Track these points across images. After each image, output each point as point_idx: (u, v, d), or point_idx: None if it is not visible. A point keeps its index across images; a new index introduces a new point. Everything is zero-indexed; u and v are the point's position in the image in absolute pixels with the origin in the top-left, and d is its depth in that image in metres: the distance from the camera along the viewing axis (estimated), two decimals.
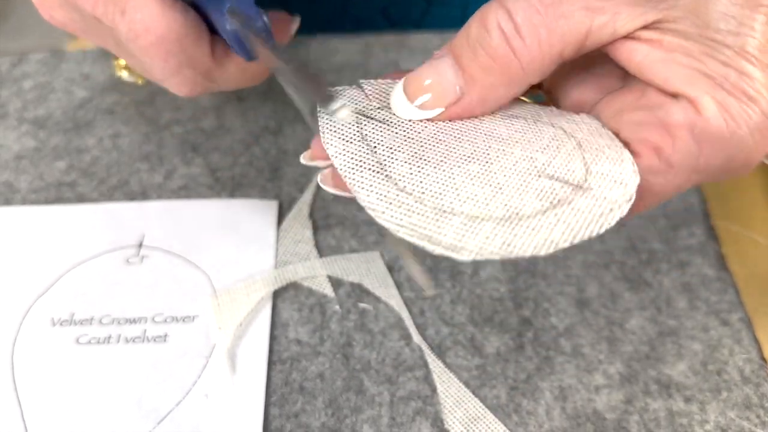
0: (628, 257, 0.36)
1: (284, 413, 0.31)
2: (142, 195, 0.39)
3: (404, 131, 0.24)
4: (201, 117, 0.43)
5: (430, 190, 0.22)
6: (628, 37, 0.23)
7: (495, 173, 0.23)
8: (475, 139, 0.24)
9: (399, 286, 0.35)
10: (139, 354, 0.32)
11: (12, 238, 0.36)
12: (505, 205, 0.22)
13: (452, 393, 0.31)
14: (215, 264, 0.35)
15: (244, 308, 0.33)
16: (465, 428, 0.30)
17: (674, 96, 0.23)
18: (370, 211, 0.22)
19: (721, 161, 0.22)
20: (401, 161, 0.23)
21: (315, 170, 0.40)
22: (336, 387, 0.31)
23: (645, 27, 0.22)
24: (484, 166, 0.23)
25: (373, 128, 0.24)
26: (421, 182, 0.22)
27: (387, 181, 0.22)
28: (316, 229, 0.37)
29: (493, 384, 0.32)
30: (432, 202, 0.22)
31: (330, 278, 0.35)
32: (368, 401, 0.31)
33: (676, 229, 0.37)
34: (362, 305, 0.34)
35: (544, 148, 0.23)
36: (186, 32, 0.27)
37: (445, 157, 0.23)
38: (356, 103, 0.25)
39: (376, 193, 0.22)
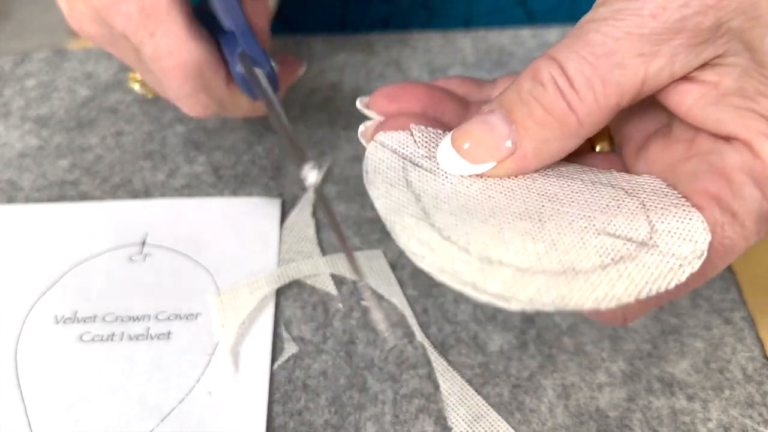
0: None
1: (287, 411, 0.31)
2: (145, 193, 0.39)
3: (451, 184, 0.23)
4: None
5: (477, 242, 0.21)
6: (684, 78, 0.21)
7: (549, 231, 0.21)
8: (527, 197, 0.23)
9: (402, 284, 0.35)
10: (143, 351, 0.32)
11: (15, 237, 0.36)
12: (560, 260, 0.20)
13: (455, 391, 0.31)
14: (218, 262, 0.35)
15: (247, 306, 0.33)
16: (468, 426, 0.30)
17: (727, 140, 0.21)
18: (410, 255, 0.21)
19: None
20: (446, 212, 0.22)
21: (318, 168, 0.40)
22: (339, 385, 0.32)
23: (703, 65, 0.21)
24: (536, 224, 0.21)
25: (419, 176, 0.23)
26: (467, 233, 0.21)
27: (431, 228, 0.21)
28: (319, 227, 0.37)
29: (496, 382, 0.32)
30: (478, 252, 0.20)
31: (333, 276, 0.35)
32: (371, 399, 0.31)
33: None
34: (364, 303, 0.34)
35: (604, 208, 0.22)
36: (205, 60, 0.29)
37: (494, 213, 0.22)
38: (404, 148, 0.24)
39: (418, 238, 0.21)
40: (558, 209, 0.22)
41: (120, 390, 0.31)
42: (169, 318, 0.33)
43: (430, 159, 0.24)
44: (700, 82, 0.21)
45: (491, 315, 0.34)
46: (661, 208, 0.22)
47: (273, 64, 0.30)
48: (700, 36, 0.20)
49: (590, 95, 0.21)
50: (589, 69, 0.20)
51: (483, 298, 0.20)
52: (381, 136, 0.24)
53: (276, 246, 0.36)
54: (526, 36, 0.49)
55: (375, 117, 0.26)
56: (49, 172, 0.40)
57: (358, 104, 0.26)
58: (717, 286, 0.35)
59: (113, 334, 0.33)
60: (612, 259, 0.20)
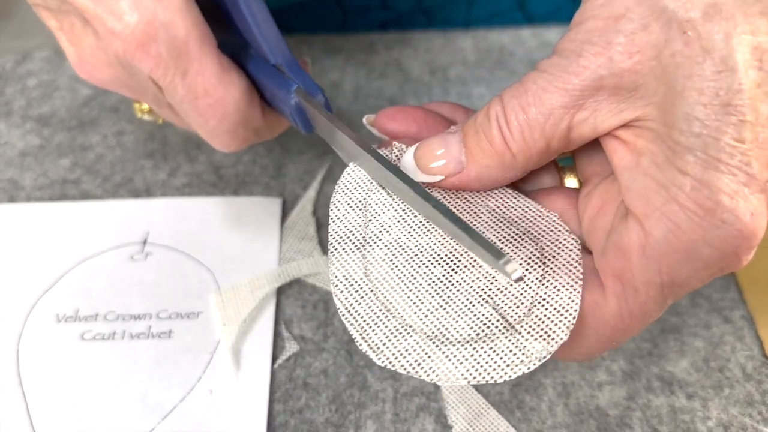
0: None
1: (288, 409, 0.31)
2: (147, 192, 0.39)
3: (402, 210, 0.25)
4: None
5: (388, 287, 0.23)
6: (612, 135, 0.23)
7: (452, 284, 0.23)
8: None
9: None
10: (144, 350, 0.32)
11: (17, 235, 0.37)
12: (441, 324, 0.22)
13: (455, 389, 0.31)
14: (219, 261, 0.36)
15: (248, 304, 0.33)
16: (468, 424, 0.30)
17: (627, 213, 0.23)
18: (331, 282, 0.24)
19: (688, 273, 0.22)
20: (382, 244, 0.24)
21: (319, 167, 0.40)
22: (340, 383, 0.32)
23: (624, 125, 0.22)
24: (447, 272, 0.23)
25: (378, 200, 0.25)
26: (384, 274, 0.24)
27: (359, 261, 0.24)
28: (319, 226, 0.38)
29: None
30: (383, 299, 0.23)
31: None
32: (372, 397, 0.31)
33: None
34: None
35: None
36: (242, 95, 0.28)
37: (418, 254, 0.24)
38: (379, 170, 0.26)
39: (345, 270, 0.24)
40: (475, 261, 0.24)
41: (121, 388, 0.31)
42: (170, 317, 0.33)
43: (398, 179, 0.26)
44: (623, 141, 0.23)
45: None
46: (554, 289, 0.23)
47: (325, 96, 0.29)
48: (620, 94, 0.22)
49: (521, 137, 0.23)
50: (522, 115, 0.23)
51: (362, 346, 0.22)
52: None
53: (277, 245, 0.36)
54: (526, 35, 0.49)
55: (377, 134, 0.28)
56: (51, 171, 0.40)
57: (364, 121, 0.29)
58: (717, 285, 0.35)
59: (114, 333, 0.33)
60: (477, 335, 0.22)
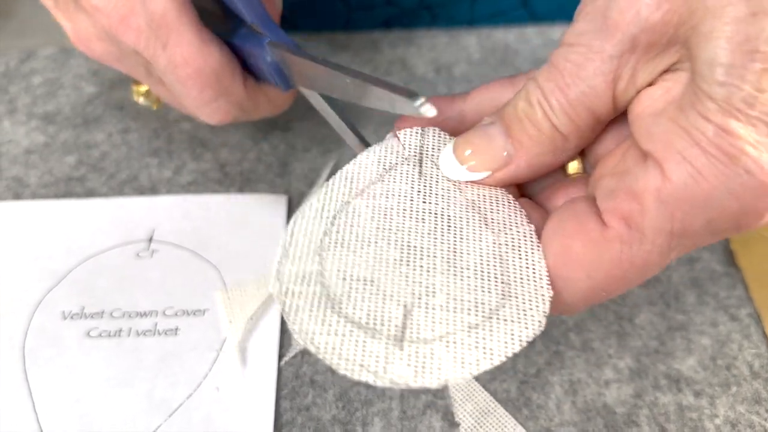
0: None
1: (295, 406, 0.31)
2: (152, 190, 0.39)
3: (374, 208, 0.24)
4: None
5: (342, 291, 0.22)
6: (649, 83, 0.22)
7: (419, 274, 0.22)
8: (433, 251, 0.23)
9: None
10: (150, 347, 0.32)
11: (22, 233, 0.36)
12: (395, 324, 0.21)
13: (462, 386, 0.31)
14: (225, 258, 0.36)
15: (254, 302, 0.33)
16: (475, 421, 0.30)
17: (646, 157, 0.22)
18: (274, 270, 0.22)
19: (701, 223, 0.21)
20: (339, 250, 0.23)
21: (324, 165, 0.40)
22: (346, 380, 0.32)
23: (666, 71, 0.22)
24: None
25: (356, 206, 0.24)
26: (340, 264, 0.22)
27: (313, 261, 0.23)
28: None
29: (503, 378, 0.32)
30: (333, 301, 0.22)
31: None
32: (379, 394, 0.31)
33: None
34: None
35: (475, 288, 0.22)
36: (222, 65, 0.29)
37: (380, 262, 0.23)
38: (387, 157, 0.25)
39: (288, 268, 0.22)
40: (449, 266, 0.23)
41: (127, 385, 0.31)
42: (176, 314, 0.33)
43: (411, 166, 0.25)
44: (659, 85, 0.22)
45: None
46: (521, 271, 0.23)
47: (298, 45, 0.29)
48: (653, 50, 0.21)
49: (567, 119, 0.22)
50: (562, 97, 0.22)
51: (301, 341, 0.21)
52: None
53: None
54: (531, 34, 0.49)
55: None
56: (56, 169, 0.40)
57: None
58: (723, 283, 0.35)
59: (120, 330, 0.33)
60: (408, 339, 0.21)
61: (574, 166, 0.26)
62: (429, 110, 0.21)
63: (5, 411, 0.30)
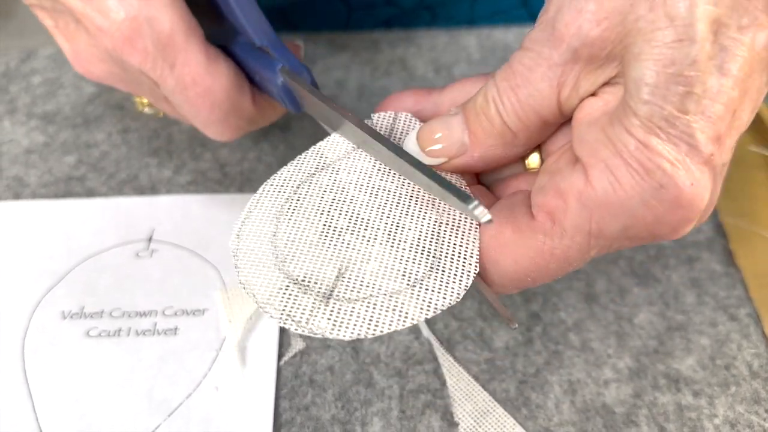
0: (637, 253, 0.36)
1: (294, 406, 0.31)
2: (152, 189, 0.39)
3: (330, 190, 0.26)
4: None
5: (285, 247, 0.24)
6: (592, 93, 0.24)
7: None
8: (373, 216, 0.25)
9: None
10: (150, 347, 0.32)
11: (22, 232, 0.37)
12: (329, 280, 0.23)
13: (462, 386, 0.31)
14: (225, 258, 0.36)
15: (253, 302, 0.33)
16: (474, 421, 0.30)
17: (576, 162, 0.23)
18: (231, 242, 0.25)
19: (617, 228, 0.22)
20: (294, 215, 0.25)
21: None
22: (346, 380, 0.32)
23: (607, 83, 0.23)
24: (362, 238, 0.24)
25: (318, 180, 0.26)
26: (289, 236, 0.25)
27: (272, 225, 0.25)
28: None
29: (502, 378, 0.32)
30: (278, 260, 0.24)
31: None
32: (378, 394, 0.31)
33: None
34: None
35: (408, 259, 0.24)
36: (231, 83, 0.29)
37: (327, 229, 0.25)
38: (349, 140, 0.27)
39: (253, 232, 0.25)
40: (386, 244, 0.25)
41: (127, 385, 0.31)
42: (176, 313, 0.33)
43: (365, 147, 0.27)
44: (600, 96, 0.23)
45: (497, 312, 0.34)
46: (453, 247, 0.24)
47: (311, 74, 0.29)
48: (594, 63, 0.22)
49: (516, 117, 0.24)
50: (513, 96, 0.24)
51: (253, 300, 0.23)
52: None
53: None
54: None
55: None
56: (56, 169, 0.40)
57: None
58: (722, 283, 0.35)
59: (120, 330, 0.33)
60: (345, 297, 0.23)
61: (534, 161, 0.27)
62: (484, 215, 0.22)
63: (5, 411, 0.30)
